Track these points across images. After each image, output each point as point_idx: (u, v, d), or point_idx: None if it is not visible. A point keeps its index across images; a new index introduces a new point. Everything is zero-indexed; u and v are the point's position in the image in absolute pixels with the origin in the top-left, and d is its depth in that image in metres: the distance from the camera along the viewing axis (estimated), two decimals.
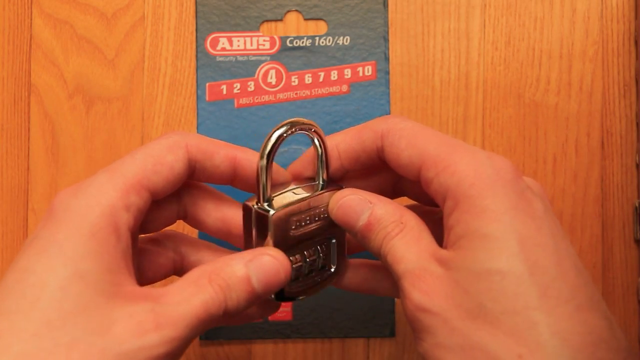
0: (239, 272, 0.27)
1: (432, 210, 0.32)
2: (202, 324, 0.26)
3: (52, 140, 0.43)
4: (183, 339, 0.25)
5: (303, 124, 0.29)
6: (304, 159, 0.31)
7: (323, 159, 0.30)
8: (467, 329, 0.24)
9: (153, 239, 0.32)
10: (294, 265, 0.30)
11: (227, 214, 0.31)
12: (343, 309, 0.41)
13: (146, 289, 0.26)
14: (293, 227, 0.29)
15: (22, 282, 0.24)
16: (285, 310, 0.41)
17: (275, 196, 0.29)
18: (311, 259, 0.30)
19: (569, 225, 0.42)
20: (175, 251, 0.31)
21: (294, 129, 0.29)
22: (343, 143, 0.30)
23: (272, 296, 0.30)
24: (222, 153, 0.30)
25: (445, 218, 0.27)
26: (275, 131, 0.29)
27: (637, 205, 0.41)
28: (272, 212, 0.28)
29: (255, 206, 0.29)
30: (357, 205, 0.29)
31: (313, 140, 0.30)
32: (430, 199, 0.28)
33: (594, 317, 0.24)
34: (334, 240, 0.31)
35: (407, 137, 0.28)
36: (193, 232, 0.41)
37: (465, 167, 0.26)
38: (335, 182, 0.31)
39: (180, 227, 0.42)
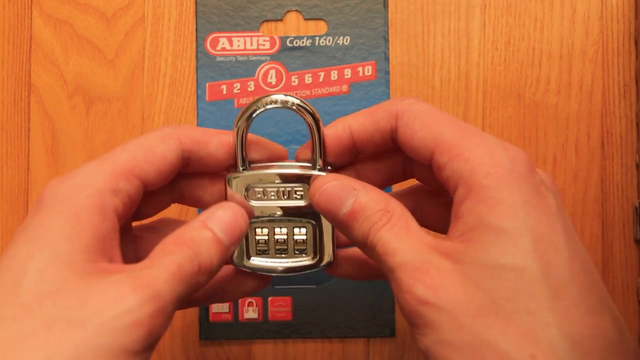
0: (201, 230, 0.27)
1: (438, 194, 0.31)
2: (182, 282, 0.26)
3: (52, 140, 0.43)
4: (166, 298, 0.25)
5: (283, 100, 0.29)
6: (308, 144, 0.31)
7: (315, 138, 0.30)
8: (476, 326, 0.23)
9: (149, 226, 0.32)
10: (257, 237, 0.30)
11: (222, 186, 0.31)
12: (343, 309, 0.41)
13: (120, 265, 0.26)
14: (255, 196, 0.30)
15: (5, 271, 0.25)
16: (285, 310, 0.41)
17: (255, 166, 0.30)
18: (279, 235, 0.31)
19: None
20: None
21: (271, 103, 0.29)
22: (356, 123, 0.29)
23: (243, 262, 0.31)
24: (215, 140, 0.30)
25: (455, 206, 0.26)
26: (253, 102, 0.29)
27: (637, 205, 0.41)
28: (228, 175, 0.30)
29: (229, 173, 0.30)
30: (340, 191, 0.28)
31: (305, 121, 0.30)
32: (440, 183, 0.28)
33: (604, 320, 0.24)
34: (318, 228, 0.31)
35: (421, 118, 0.28)
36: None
37: (481, 155, 0.25)
38: (337, 167, 0.31)
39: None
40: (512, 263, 0.24)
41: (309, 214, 0.30)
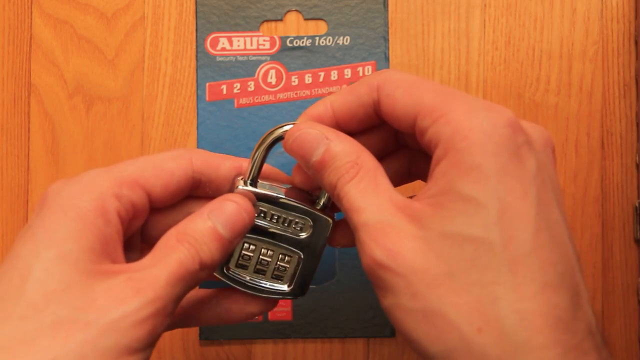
0: (203, 225, 0.27)
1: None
2: (183, 281, 0.26)
3: (52, 140, 0.43)
4: (166, 298, 0.25)
5: None
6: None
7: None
8: (430, 295, 0.24)
9: None
10: (243, 252, 0.30)
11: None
12: (343, 309, 0.41)
13: (123, 265, 0.26)
14: (256, 213, 0.30)
15: (10, 269, 0.25)
16: (285, 310, 0.41)
17: (265, 183, 0.30)
18: (264, 257, 0.31)
19: (569, 225, 0.41)
20: None
21: None
22: (338, 100, 0.29)
23: (219, 270, 0.30)
24: (227, 164, 0.30)
25: (431, 167, 0.26)
26: (285, 125, 0.29)
27: (637, 205, 0.41)
28: (240, 186, 0.29)
29: (238, 178, 0.30)
30: (313, 139, 0.28)
31: None
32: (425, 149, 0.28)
33: (558, 297, 0.24)
34: (302, 262, 0.31)
35: (403, 87, 0.27)
36: None
37: (461, 118, 0.25)
38: (330, 210, 0.31)
39: None
40: (474, 234, 0.24)
41: (300, 246, 0.31)
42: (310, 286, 0.41)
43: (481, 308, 0.23)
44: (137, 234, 0.30)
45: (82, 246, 0.25)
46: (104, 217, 0.26)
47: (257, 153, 0.30)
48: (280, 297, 0.31)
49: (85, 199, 0.26)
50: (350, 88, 0.29)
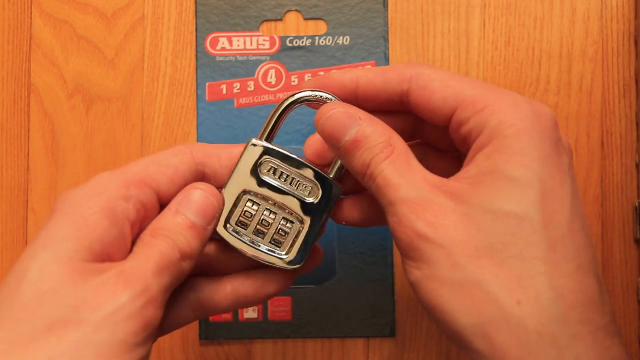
0: (174, 217, 0.28)
1: (446, 149, 0.31)
2: (167, 271, 0.26)
3: (52, 140, 0.43)
4: (155, 289, 0.26)
5: (327, 95, 0.30)
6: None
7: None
8: (470, 267, 0.25)
9: None
10: (246, 209, 0.30)
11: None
12: (343, 309, 0.41)
13: (113, 263, 0.27)
14: (267, 169, 0.30)
15: (10, 273, 0.25)
16: (285, 310, 0.41)
17: (277, 145, 0.30)
18: (267, 218, 0.30)
19: None
20: None
21: (318, 95, 0.30)
22: (364, 78, 0.29)
23: (218, 228, 0.30)
24: (227, 153, 0.30)
25: (472, 152, 0.27)
26: (305, 91, 0.30)
27: (637, 205, 0.41)
28: (254, 139, 0.30)
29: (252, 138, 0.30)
30: (345, 119, 0.28)
31: None
32: (448, 144, 0.28)
33: (589, 279, 0.25)
34: (304, 231, 0.31)
35: (440, 80, 0.28)
36: None
37: (507, 108, 0.26)
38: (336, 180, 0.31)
39: None
40: (516, 211, 0.25)
41: (305, 212, 0.30)
42: (310, 286, 0.41)
43: (521, 281, 0.24)
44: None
45: (79, 246, 0.25)
46: (109, 218, 0.26)
47: (275, 114, 0.30)
48: (277, 266, 0.31)
49: (91, 201, 0.27)
50: (380, 70, 0.29)
